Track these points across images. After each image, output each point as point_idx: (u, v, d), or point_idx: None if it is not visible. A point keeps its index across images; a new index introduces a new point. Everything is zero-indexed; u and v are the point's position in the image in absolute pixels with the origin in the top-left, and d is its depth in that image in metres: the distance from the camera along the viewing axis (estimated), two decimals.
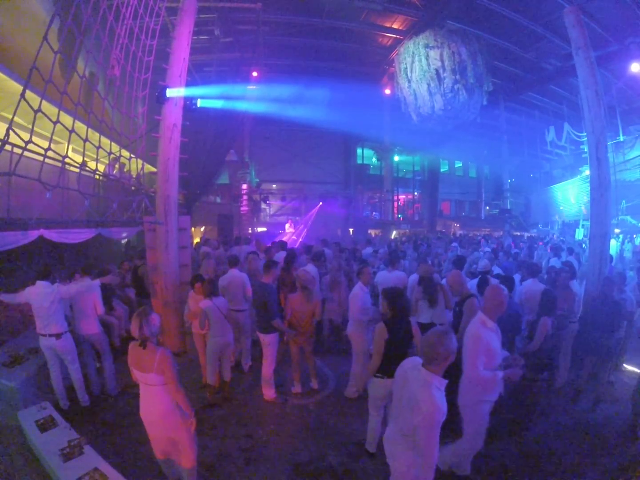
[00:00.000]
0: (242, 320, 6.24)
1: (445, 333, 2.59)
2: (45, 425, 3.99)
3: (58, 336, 4.92)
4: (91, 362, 5.52)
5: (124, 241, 11.74)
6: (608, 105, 13.59)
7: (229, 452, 4.33)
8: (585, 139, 8.98)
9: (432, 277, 5.93)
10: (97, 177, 7.85)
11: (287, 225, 23.17)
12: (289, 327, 5.49)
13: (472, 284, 6.26)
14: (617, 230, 15.58)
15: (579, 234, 17.92)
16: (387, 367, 3.67)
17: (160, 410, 3.25)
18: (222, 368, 5.49)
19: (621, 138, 17.40)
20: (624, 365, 6.55)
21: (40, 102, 3.79)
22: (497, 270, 7.43)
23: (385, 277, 6.61)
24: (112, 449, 4.25)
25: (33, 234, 5.51)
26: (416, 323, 5.97)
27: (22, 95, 3.58)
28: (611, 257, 8.18)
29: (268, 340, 5.42)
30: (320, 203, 24.65)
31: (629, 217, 16.68)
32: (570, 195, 20.41)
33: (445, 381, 2.56)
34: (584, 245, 13.08)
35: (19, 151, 3.62)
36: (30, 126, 3.77)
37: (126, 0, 5.84)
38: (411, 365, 2.75)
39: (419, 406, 2.44)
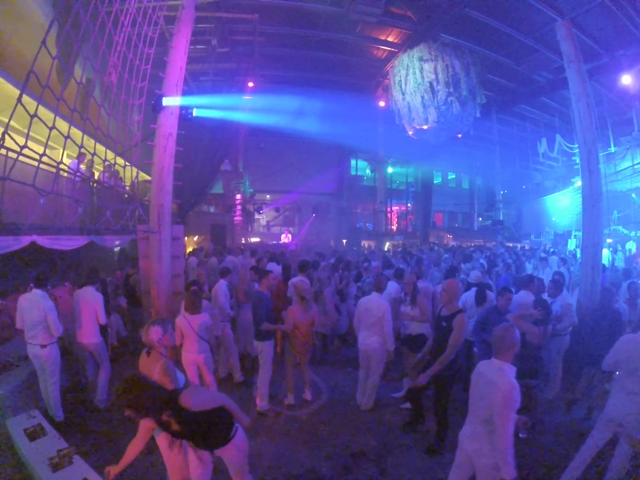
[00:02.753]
0: (223, 332, 6.27)
1: (510, 327, 3.01)
2: (34, 434, 3.90)
3: (43, 346, 4.87)
4: (92, 370, 5.58)
5: (117, 249, 11.65)
6: (599, 117, 13.74)
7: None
8: (577, 150, 9.07)
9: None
10: (91, 183, 7.81)
11: (282, 236, 23.26)
12: (290, 338, 5.51)
13: (466, 296, 6.30)
14: (609, 240, 15.72)
15: (571, 244, 18.05)
16: None
17: None
18: (204, 383, 5.38)
19: (612, 149, 17.58)
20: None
21: (37, 107, 3.77)
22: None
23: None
24: (102, 460, 4.17)
25: (25, 240, 5.46)
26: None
27: (19, 99, 3.56)
28: (604, 266, 8.24)
29: (262, 348, 5.44)
30: (314, 215, 24.72)
31: (620, 227, 16.82)
32: (563, 206, 20.56)
33: (514, 368, 2.92)
34: (577, 254, 13.14)
35: (14, 155, 3.58)
36: (25, 130, 3.74)
37: (125, 8, 5.86)
38: (484, 364, 3.08)
39: (497, 387, 2.77)
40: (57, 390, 5.00)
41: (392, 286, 6.38)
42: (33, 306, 4.85)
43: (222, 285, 6.54)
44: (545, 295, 6.10)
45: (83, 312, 5.37)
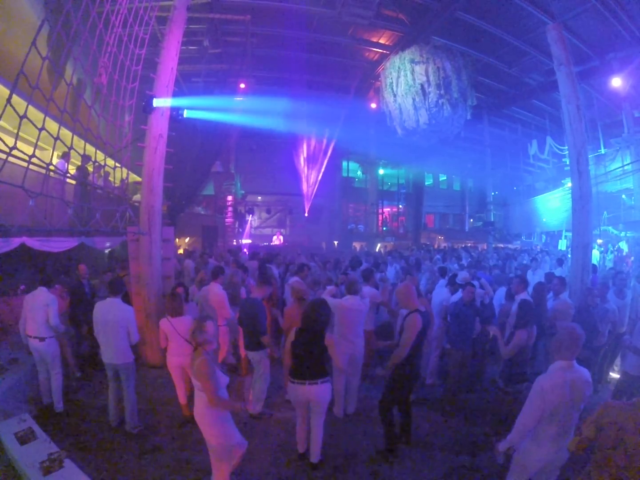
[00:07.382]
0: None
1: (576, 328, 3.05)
2: (24, 438, 3.87)
3: (42, 339, 5.01)
4: (116, 391, 4.90)
5: (107, 251, 11.56)
6: (590, 119, 13.94)
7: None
8: (567, 152, 9.16)
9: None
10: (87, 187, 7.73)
11: (274, 238, 23.23)
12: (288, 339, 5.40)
13: (457, 296, 6.34)
14: (600, 241, 15.88)
15: (562, 244, 18.21)
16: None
17: (198, 413, 3.39)
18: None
19: (602, 151, 17.75)
20: (611, 374, 6.59)
21: (27, 108, 3.73)
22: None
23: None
24: (93, 463, 4.13)
25: (15, 242, 5.41)
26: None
27: (9, 99, 3.52)
28: (595, 267, 8.31)
29: (259, 357, 5.19)
30: (306, 214, 24.73)
31: (610, 228, 16.98)
32: (553, 207, 20.74)
33: None
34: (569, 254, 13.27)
35: (3, 156, 3.54)
36: (15, 131, 3.70)
37: (116, 9, 5.82)
38: (570, 371, 2.96)
39: (589, 383, 2.93)
40: (59, 380, 5.15)
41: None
42: (36, 300, 5.06)
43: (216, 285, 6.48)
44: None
45: (112, 331, 4.75)
